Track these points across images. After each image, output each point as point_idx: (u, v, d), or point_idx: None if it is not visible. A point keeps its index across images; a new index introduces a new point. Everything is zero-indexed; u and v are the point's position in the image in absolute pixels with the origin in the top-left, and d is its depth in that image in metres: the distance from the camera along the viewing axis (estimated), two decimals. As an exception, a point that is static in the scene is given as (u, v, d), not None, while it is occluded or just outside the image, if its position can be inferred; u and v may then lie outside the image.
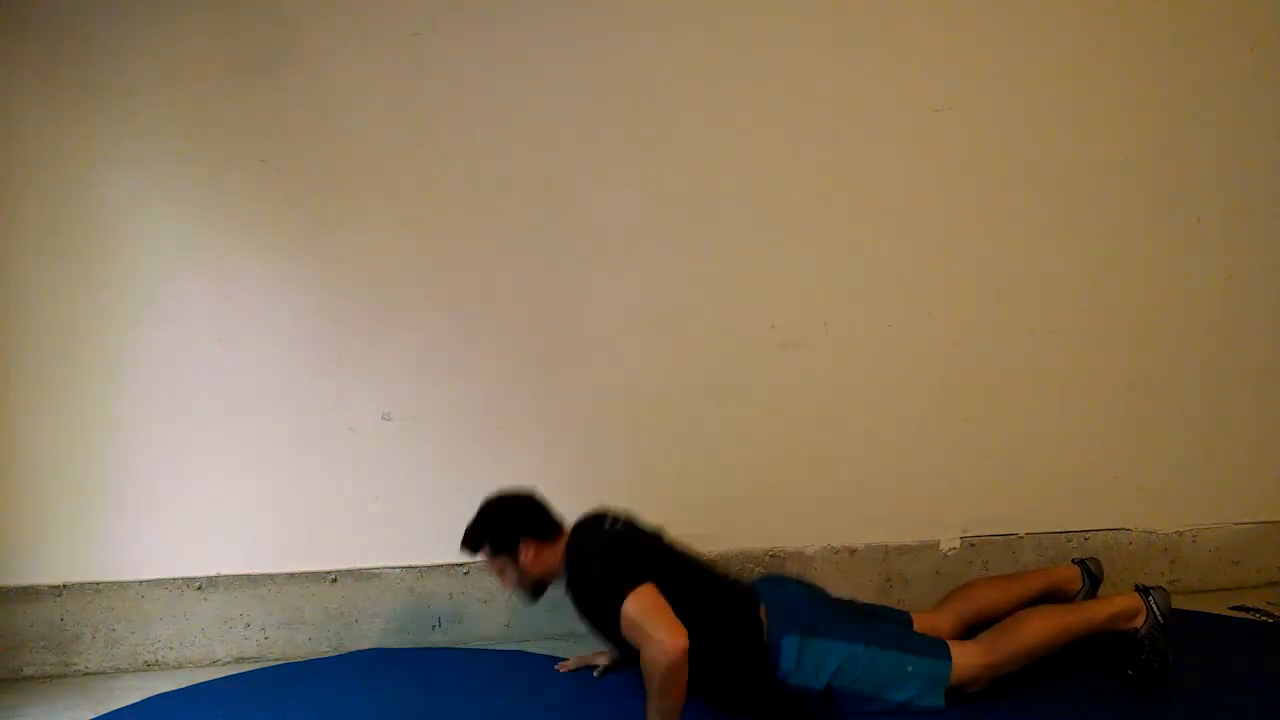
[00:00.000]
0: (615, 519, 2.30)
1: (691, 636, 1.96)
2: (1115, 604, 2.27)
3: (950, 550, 2.90)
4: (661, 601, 2.00)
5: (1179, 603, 2.87)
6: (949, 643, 2.19)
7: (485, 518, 2.29)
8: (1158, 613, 2.25)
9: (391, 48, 2.58)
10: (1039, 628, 2.22)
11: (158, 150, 2.52)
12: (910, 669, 2.14)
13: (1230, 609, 2.84)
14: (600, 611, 2.13)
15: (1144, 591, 2.29)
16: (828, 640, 2.14)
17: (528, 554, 2.25)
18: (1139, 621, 2.25)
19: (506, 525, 2.27)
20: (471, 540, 2.28)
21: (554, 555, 2.26)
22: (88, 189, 2.49)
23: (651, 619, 1.97)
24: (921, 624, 2.32)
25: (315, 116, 2.56)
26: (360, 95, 2.58)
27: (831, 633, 2.16)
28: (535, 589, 2.30)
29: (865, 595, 2.77)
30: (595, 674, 2.41)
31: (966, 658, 2.17)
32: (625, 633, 2.02)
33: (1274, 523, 3.07)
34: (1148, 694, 2.22)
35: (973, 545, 2.92)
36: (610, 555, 2.16)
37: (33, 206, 2.48)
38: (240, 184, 2.54)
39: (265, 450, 2.59)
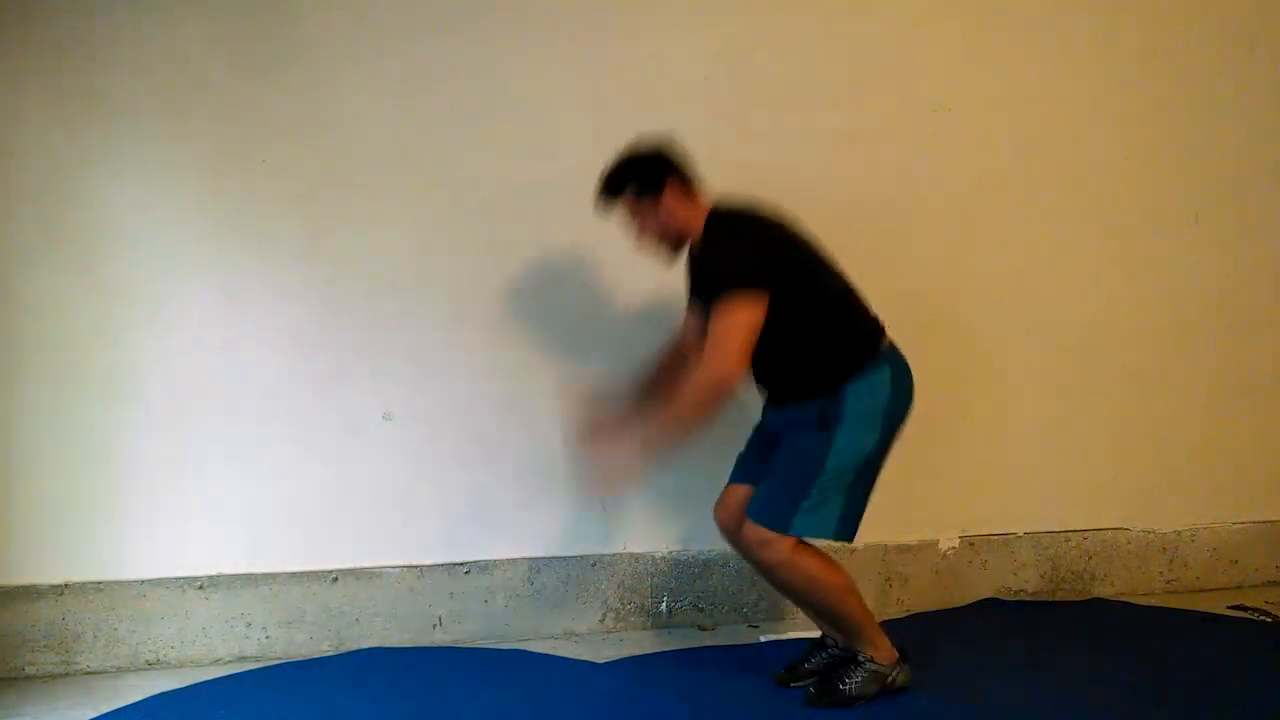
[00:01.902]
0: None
1: (810, 308, 2.05)
2: (886, 644, 2.25)
3: (950, 550, 2.91)
4: (756, 322, 1.98)
5: (1178, 602, 2.90)
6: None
7: (632, 158, 2.16)
8: (892, 676, 2.23)
9: (392, 48, 2.58)
10: (842, 581, 2.20)
11: (158, 151, 2.52)
12: (833, 507, 2.13)
13: (1228, 608, 2.85)
14: (710, 284, 2.09)
15: (904, 655, 2.27)
16: (888, 416, 2.16)
17: (672, 200, 2.13)
18: (877, 658, 2.22)
19: (655, 165, 2.14)
20: (615, 181, 2.14)
21: (695, 212, 2.15)
22: (88, 190, 2.49)
23: (734, 334, 1.95)
24: None
25: (316, 118, 2.56)
26: (360, 96, 2.58)
27: (890, 420, 2.18)
28: (673, 243, 2.20)
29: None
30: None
31: (798, 541, 2.16)
32: (711, 318, 2.00)
33: (1272, 522, 3.08)
34: (822, 710, 2.21)
35: (972, 545, 2.92)
36: (751, 239, 2.07)
37: (33, 207, 2.48)
38: (241, 185, 2.55)
39: (266, 450, 2.60)
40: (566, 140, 2.67)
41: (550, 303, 2.70)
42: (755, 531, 2.15)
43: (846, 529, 2.16)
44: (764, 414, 2.38)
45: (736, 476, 2.34)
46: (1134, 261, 2.96)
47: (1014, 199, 2.88)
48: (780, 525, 2.13)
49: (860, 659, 2.24)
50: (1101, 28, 2.89)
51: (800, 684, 2.33)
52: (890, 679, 2.23)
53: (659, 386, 2.36)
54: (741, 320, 1.95)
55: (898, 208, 2.83)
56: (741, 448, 2.40)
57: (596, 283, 2.72)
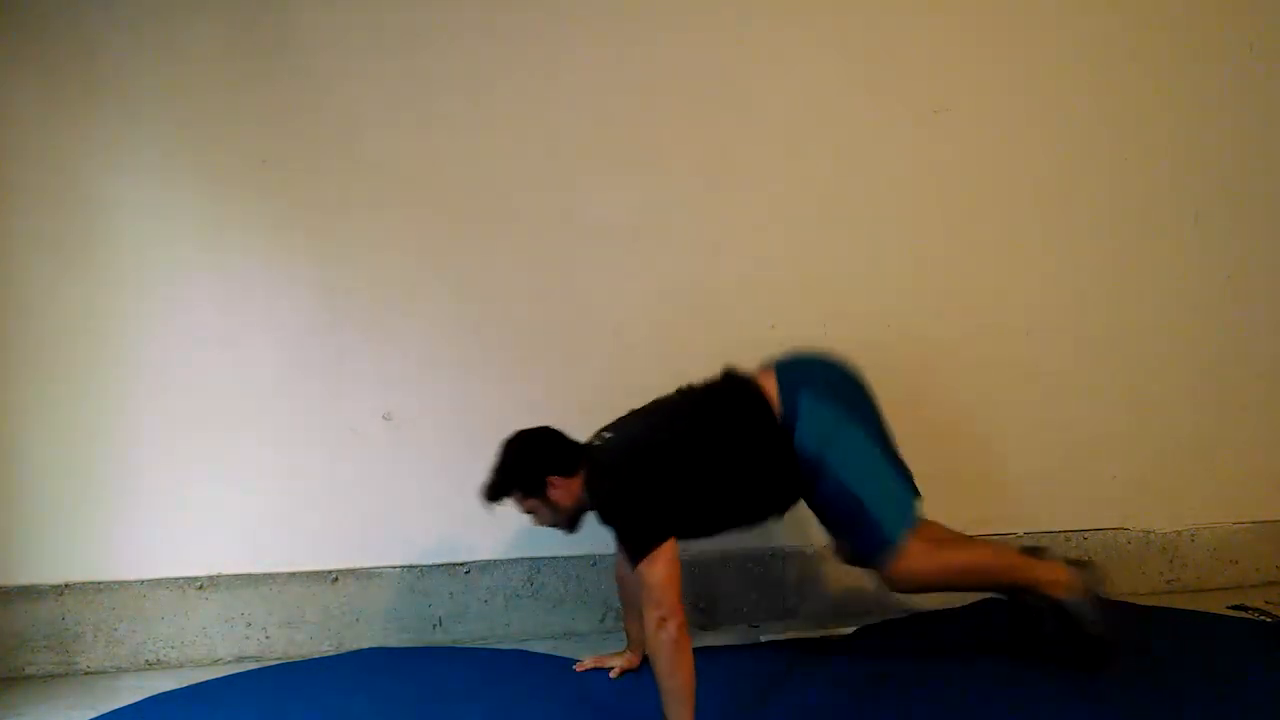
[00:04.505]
0: (613, 427, 2.26)
1: (717, 473, 2.11)
2: (1054, 570, 2.24)
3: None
4: (674, 566, 2.02)
5: (1178, 602, 2.90)
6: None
7: (507, 463, 2.23)
8: (1090, 588, 2.22)
9: (392, 48, 2.58)
10: (976, 553, 2.28)
11: (159, 150, 2.52)
12: (892, 487, 2.19)
13: (1229, 608, 2.84)
14: (618, 542, 2.14)
15: (1076, 564, 2.27)
16: (837, 409, 2.18)
17: (557, 491, 2.20)
18: (1061, 594, 2.21)
19: (530, 466, 2.21)
20: (497, 489, 2.22)
21: (578, 485, 2.21)
22: (88, 189, 2.50)
23: (663, 590, 1.99)
24: None
25: (316, 117, 2.56)
26: (361, 95, 2.58)
27: (842, 405, 2.19)
28: (572, 521, 2.26)
29: (865, 594, 2.78)
30: (611, 675, 2.41)
31: (912, 542, 2.19)
32: (639, 584, 2.04)
33: (1272, 522, 3.07)
34: (1091, 671, 2.16)
35: (972, 545, 2.92)
36: (630, 492, 2.10)
37: (33, 206, 2.48)
38: (241, 184, 2.55)
39: (266, 450, 2.60)
40: (567, 140, 2.67)
41: (551, 303, 2.70)
42: (883, 565, 2.20)
43: (911, 490, 2.25)
44: None
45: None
46: (1134, 261, 2.96)
47: (1014, 199, 2.88)
48: (884, 545, 2.18)
49: (1059, 605, 2.20)
50: (1101, 28, 2.89)
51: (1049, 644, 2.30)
52: (1092, 592, 2.20)
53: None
54: (662, 574, 2.01)
55: (898, 207, 2.82)
56: None
57: (597, 283, 2.72)
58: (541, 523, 2.28)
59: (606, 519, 2.14)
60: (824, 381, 2.26)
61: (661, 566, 2.01)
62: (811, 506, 2.27)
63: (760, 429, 2.18)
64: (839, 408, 2.21)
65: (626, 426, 2.24)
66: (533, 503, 2.23)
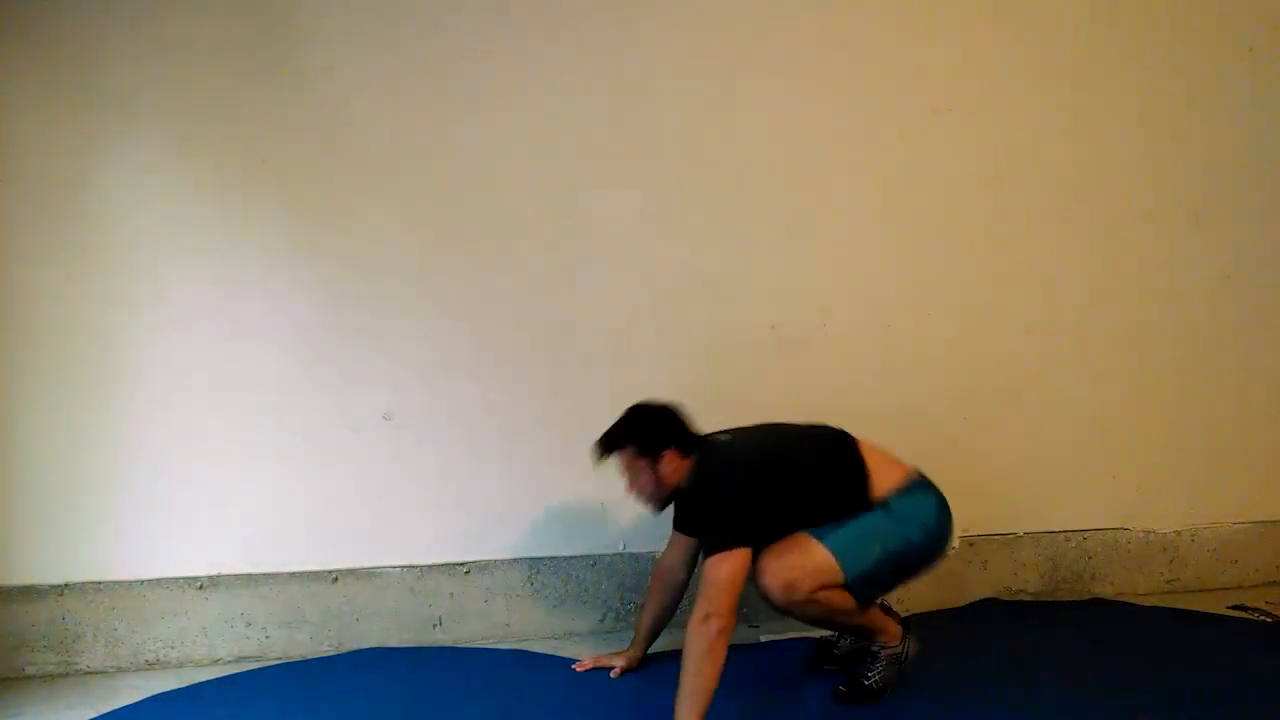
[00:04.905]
0: (730, 432, 2.29)
1: (801, 510, 2.14)
2: (886, 621, 2.30)
3: (949, 550, 2.90)
4: (742, 574, 2.05)
5: (1178, 602, 2.90)
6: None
7: (637, 420, 2.27)
8: (904, 652, 2.28)
9: (393, 49, 2.58)
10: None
11: (159, 152, 2.52)
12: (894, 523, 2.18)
13: (1229, 608, 2.85)
14: (701, 529, 2.19)
15: (906, 626, 2.33)
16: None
17: (668, 465, 2.24)
18: (886, 641, 2.28)
19: (658, 431, 2.25)
20: (614, 442, 2.26)
21: (686, 469, 2.25)
22: (89, 190, 2.50)
23: (724, 590, 2.02)
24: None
25: (316, 118, 2.56)
26: (361, 97, 2.58)
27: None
28: (664, 499, 2.31)
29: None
30: (612, 674, 2.42)
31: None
32: (702, 572, 2.07)
33: (1272, 522, 3.07)
34: (853, 706, 2.24)
35: (972, 545, 2.92)
36: (738, 490, 2.13)
37: (34, 207, 2.48)
38: (242, 185, 2.55)
39: (266, 450, 2.60)
40: (567, 140, 2.67)
41: (551, 303, 2.70)
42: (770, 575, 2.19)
43: (864, 587, 2.17)
44: None
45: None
46: (1134, 261, 2.96)
47: (1014, 199, 2.88)
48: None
49: (873, 649, 2.29)
50: (1101, 29, 2.89)
51: (833, 666, 2.42)
52: (904, 656, 2.29)
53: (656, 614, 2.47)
54: (728, 574, 2.04)
55: (898, 207, 2.82)
56: None
57: (597, 283, 2.72)
58: (635, 488, 2.30)
59: (705, 504, 2.15)
60: (944, 521, 2.26)
61: (730, 567, 2.04)
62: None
63: (852, 498, 2.20)
64: (928, 535, 2.22)
65: (747, 437, 2.28)
66: (642, 465, 2.25)
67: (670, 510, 2.39)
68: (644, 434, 2.25)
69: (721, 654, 2.00)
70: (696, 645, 1.99)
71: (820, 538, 2.15)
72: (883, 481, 2.22)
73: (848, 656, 2.43)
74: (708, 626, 1.99)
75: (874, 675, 2.27)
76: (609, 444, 2.26)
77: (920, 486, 2.25)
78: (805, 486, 2.20)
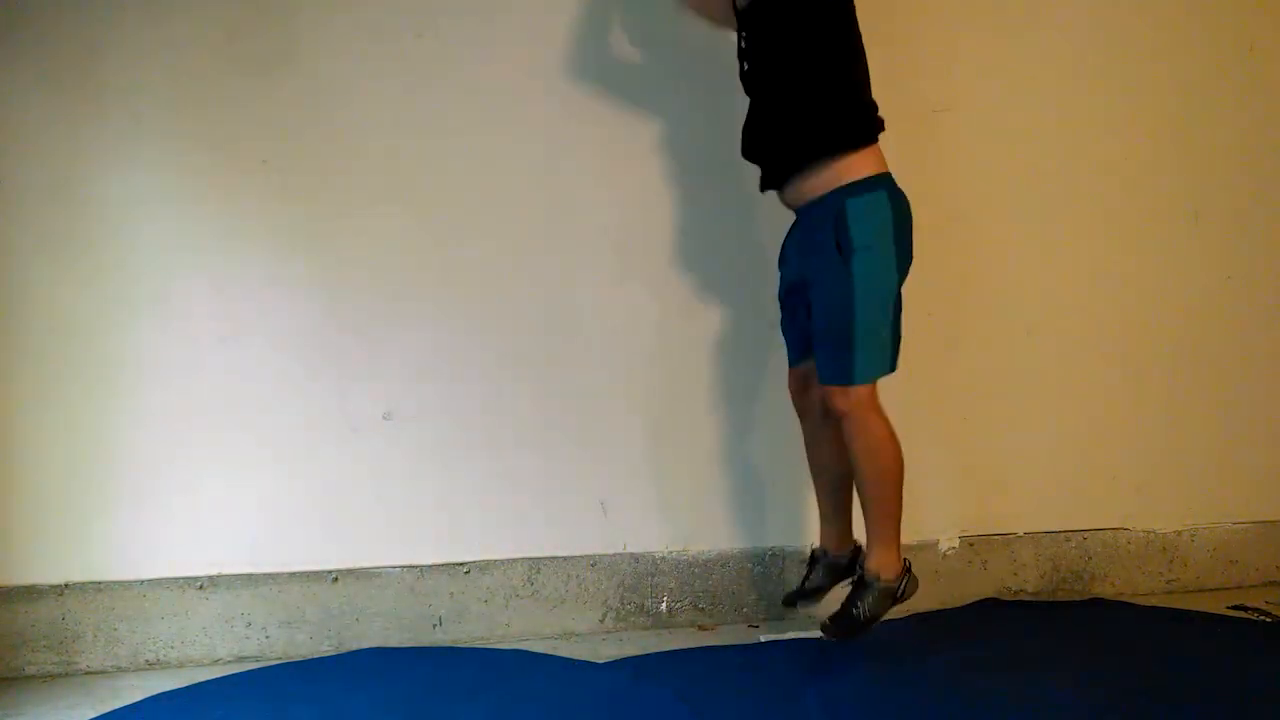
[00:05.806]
0: None
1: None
2: (898, 540, 2.28)
3: (949, 550, 2.91)
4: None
5: (1178, 602, 2.90)
6: None
7: None
8: (901, 588, 2.26)
9: (393, 49, 2.58)
10: (897, 469, 2.27)
11: (159, 151, 2.52)
12: (884, 337, 2.23)
13: (1228, 608, 2.85)
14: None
15: (908, 568, 2.31)
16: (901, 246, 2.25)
17: None
18: (884, 575, 2.25)
19: None
20: None
21: None
22: (89, 189, 2.49)
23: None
24: None
25: (316, 117, 2.56)
26: (361, 96, 2.58)
27: (904, 251, 2.28)
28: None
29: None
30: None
31: (870, 395, 2.26)
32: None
33: (1272, 522, 3.07)
34: (837, 640, 2.25)
35: (972, 545, 2.92)
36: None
37: (33, 206, 2.48)
38: (242, 185, 2.55)
39: (267, 449, 2.60)
40: (567, 140, 2.67)
41: (551, 303, 2.70)
42: (833, 395, 2.20)
43: (894, 360, 2.26)
44: (783, 254, 2.45)
45: (794, 359, 2.44)
46: (1134, 261, 2.96)
47: (1014, 198, 2.88)
48: (845, 377, 2.18)
49: (867, 580, 2.24)
50: (1101, 28, 2.89)
51: (806, 603, 2.41)
52: (900, 592, 2.24)
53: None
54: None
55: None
56: (781, 316, 2.49)
57: (597, 283, 2.72)
58: None
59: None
60: (904, 217, 2.28)
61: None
62: (810, 295, 2.29)
63: (858, 110, 2.25)
64: (898, 245, 2.23)
65: None
66: None
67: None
68: None
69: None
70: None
71: None
72: None
73: (814, 592, 2.39)
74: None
75: (864, 605, 2.21)
76: None
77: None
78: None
